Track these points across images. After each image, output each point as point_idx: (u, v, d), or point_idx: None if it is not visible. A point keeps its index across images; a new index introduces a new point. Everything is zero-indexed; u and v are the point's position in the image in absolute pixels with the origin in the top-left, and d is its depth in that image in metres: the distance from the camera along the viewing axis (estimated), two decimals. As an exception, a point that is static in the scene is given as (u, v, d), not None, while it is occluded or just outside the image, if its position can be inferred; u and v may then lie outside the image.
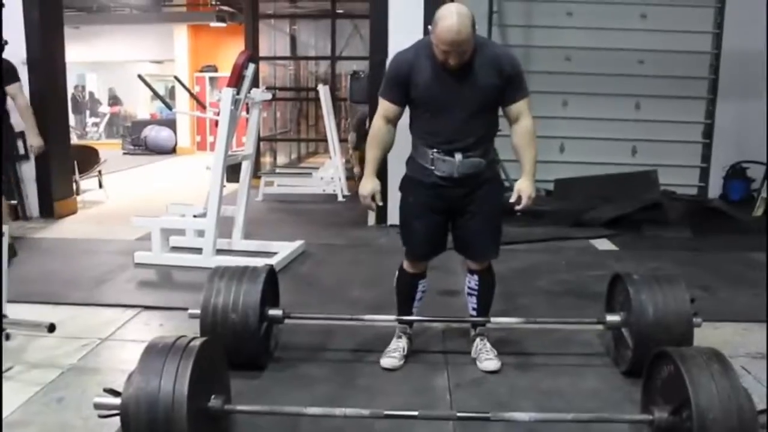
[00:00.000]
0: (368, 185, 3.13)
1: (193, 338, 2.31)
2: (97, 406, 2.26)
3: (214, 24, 14.05)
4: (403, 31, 5.63)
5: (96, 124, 18.69)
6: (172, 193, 8.28)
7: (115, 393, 2.23)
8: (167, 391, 2.10)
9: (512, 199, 3.10)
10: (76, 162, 7.57)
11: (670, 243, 6.11)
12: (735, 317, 4.04)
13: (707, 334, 3.29)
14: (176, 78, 9.31)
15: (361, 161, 8.32)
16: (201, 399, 2.24)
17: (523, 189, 3.06)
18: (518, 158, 3.14)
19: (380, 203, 3.20)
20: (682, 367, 2.16)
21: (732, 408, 2.06)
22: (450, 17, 2.79)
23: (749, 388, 2.30)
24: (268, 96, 5.93)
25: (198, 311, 3.13)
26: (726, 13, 8.09)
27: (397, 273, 3.38)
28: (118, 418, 2.25)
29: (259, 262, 3.82)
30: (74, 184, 7.50)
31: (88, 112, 19.04)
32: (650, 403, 2.38)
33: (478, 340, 3.35)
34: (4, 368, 3.10)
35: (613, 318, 3.26)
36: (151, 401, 2.10)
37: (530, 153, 3.10)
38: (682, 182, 8.16)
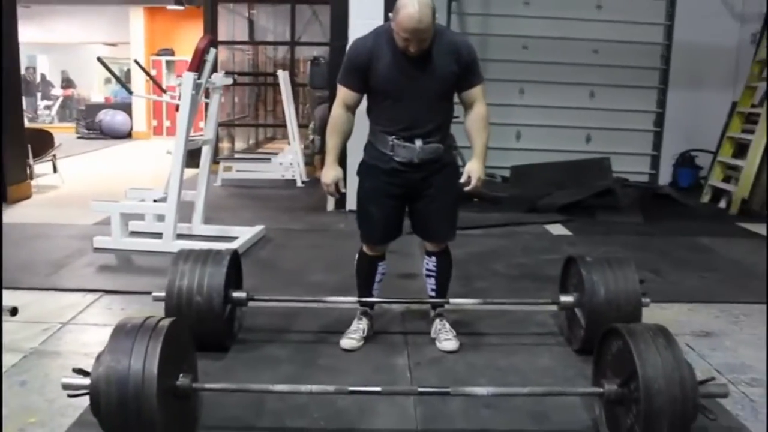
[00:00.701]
0: (331, 173, 3.17)
1: (162, 318, 2.36)
2: (66, 387, 2.28)
3: (171, 7, 13.80)
4: (364, 17, 5.67)
5: (48, 107, 18.27)
6: (129, 178, 8.17)
7: (84, 373, 2.25)
8: (137, 369, 2.14)
9: (462, 180, 3.17)
10: (29, 146, 7.45)
11: (622, 228, 6.29)
12: (682, 298, 4.22)
13: (655, 314, 3.44)
14: (136, 62, 9.18)
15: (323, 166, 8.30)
16: (170, 377, 2.28)
17: (473, 170, 3.14)
18: (470, 142, 3.21)
19: (343, 190, 3.26)
20: (630, 341, 2.28)
21: (675, 379, 2.19)
22: (411, 5, 2.83)
23: (693, 364, 2.44)
24: (229, 81, 5.93)
25: (162, 294, 3.16)
26: (677, 6, 8.33)
27: (357, 256, 3.45)
28: (84, 399, 2.28)
29: (220, 246, 3.83)
30: (28, 169, 7.38)
31: (39, 95, 18.59)
32: (601, 377, 2.50)
33: (437, 320, 3.45)
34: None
35: (566, 299, 3.38)
36: (122, 380, 2.13)
37: (482, 137, 3.18)
38: (634, 169, 8.40)
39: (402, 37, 2.90)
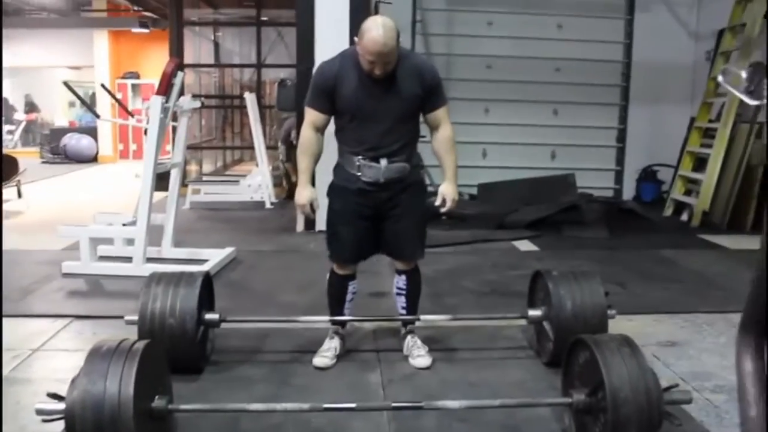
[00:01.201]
0: (305, 193, 3.22)
1: (136, 341, 2.37)
2: (40, 412, 2.27)
3: (136, 30, 13.78)
4: (330, 39, 5.73)
5: (11, 132, 18.02)
6: (95, 203, 8.14)
7: (58, 397, 2.25)
8: (113, 392, 2.15)
9: (437, 203, 3.26)
10: (-6, 171, 7.37)
11: (588, 242, 6.42)
12: (647, 309, 4.33)
13: (622, 326, 3.51)
14: (103, 86, 9.14)
15: (296, 170, 8.38)
16: (146, 399, 2.29)
17: (446, 192, 3.23)
18: (440, 164, 3.30)
19: (317, 209, 3.30)
20: (597, 352, 2.35)
21: (640, 387, 2.27)
22: (376, 29, 2.92)
23: (659, 373, 2.52)
24: (197, 104, 5.94)
25: (135, 317, 3.16)
26: (635, 25, 8.55)
27: (327, 276, 3.49)
28: (56, 425, 2.28)
29: (191, 269, 3.85)
30: (-8, 194, 7.29)
31: (2, 120, 18.33)
32: (569, 387, 2.57)
33: (408, 337, 3.49)
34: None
35: (534, 312, 3.45)
36: (97, 403, 2.14)
37: (451, 158, 3.27)
38: (598, 185, 8.55)
39: (367, 60, 2.97)
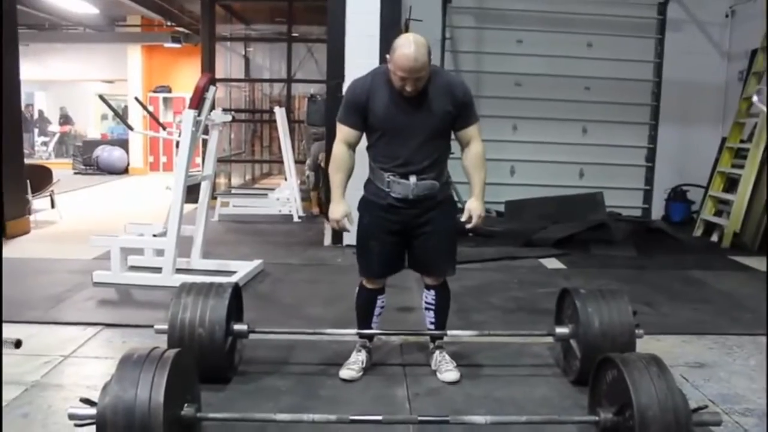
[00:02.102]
0: (340, 208, 3.25)
1: (167, 349, 2.41)
2: (72, 417, 2.32)
3: (168, 44, 14.03)
4: (360, 56, 5.80)
5: (45, 143, 18.40)
6: (126, 213, 8.26)
7: (90, 403, 2.29)
8: (143, 399, 2.18)
9: (463, 218, 3.27)
10: (28, 181, 7.51)
11: (616, 261, 6.37)
12: (675, 330, 4.28)
13: (650, 346, 3.49)
14: (136, 99, 9.31)
15: (319, 202, 8.48)
16: (175, 407, 2.33)
17: (473, 209, 3.24)
18: (468, 180, 3.31)
19: (352, 224, 3.32)
20: (624, 370, 2.34)
21: (669, 406, 2.25)
22: (408, 46, 2.95)
23: (687, 394, 2.49)
24: (228, 118, 6.02)
25: (165, 326, 3.21)
26: (665, 44, 8.51)
27: (357, 290, 3.51)
28: (87, 429, 2.32)
29: (220, 281, 3.88)
30: (27, 204, 7.43)
31: (36, 131, 18.72)
32: (596, 405, 2.55)
33: (437, 352, 3.49)
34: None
35: (562, 330, 3.44)
36: (128, 409, 2.18)
37: (479, 175, 3.27)
38: (626, 204, 8.50)
39: (399, 76, 3.00)
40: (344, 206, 3.26)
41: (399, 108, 3.12)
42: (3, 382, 3.24)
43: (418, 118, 3.13)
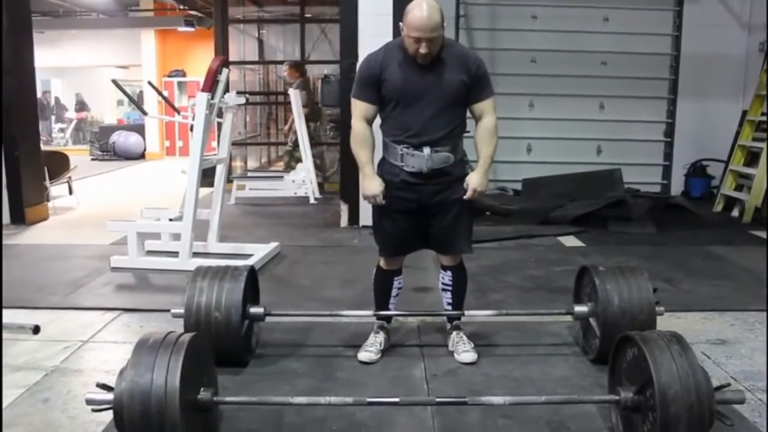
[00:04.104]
0: (374, 184, 3.20)
1: (182, 333, 2.40)
2: (89, 402, 2.33)
3: (182, 29, 14.01)
4: (373, 35, 5.73)
5: (62, 130, 18.51)
6: (143, 198, 8.27)
7: (107, 388, 2.30)
8: (159, 384, 2.18)
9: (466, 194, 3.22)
10: (46, 168, 7.55)
11: (635, 238, 6.31)
12: (696, 307, 4.23)
13: (670, 323, 3.45)
14: (150, 83, 9.30)
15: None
16: (191, 391, 2.32)
17: (472, 181, 3.20)
18: (477, 153, 3.26)
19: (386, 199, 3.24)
20: (645, 348, 2.30)
21: (690, 385, 2.21)
22: (420, 6, 2.96)
23: (709, 372, 2.45)
24: (242, 100, 5.99)
25: (181, 311, 3.20)
26: (684, 17, 8.36)
27: (374, 271, 3.49)
28: (106, 414, 2.33)
29: (236, 264, 3.88)
30: (44, 191, 7.47)
31: (53, 118, 18.84)
32: (616, 384, 2.52)
33: (454, 333, 3.48)
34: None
35: (581, 309, 3.40)
36: (144, 394, 2.17)
37: (488, 148, 3.22)
38: (645, 180, 8.41)
39: (413, 38, 2.98)
40: (378, 181, 3.21)
41: (413, 76, 3.09)
42: (24, 367, 3.30)
43: (431, 85, 3.10)
